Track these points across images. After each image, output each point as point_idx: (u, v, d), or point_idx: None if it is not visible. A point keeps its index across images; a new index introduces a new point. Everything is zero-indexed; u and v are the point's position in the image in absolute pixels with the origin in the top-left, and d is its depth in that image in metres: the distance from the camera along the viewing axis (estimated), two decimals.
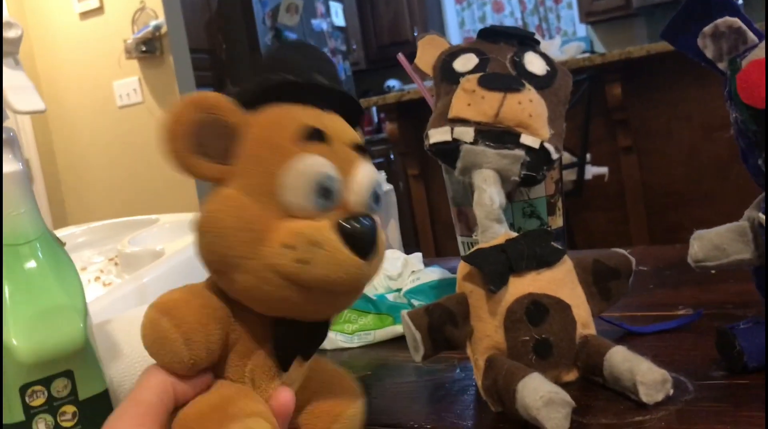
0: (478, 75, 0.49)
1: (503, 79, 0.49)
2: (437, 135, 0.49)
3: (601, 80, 2.50)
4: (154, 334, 0.34)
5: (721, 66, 0.43)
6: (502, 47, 0.52)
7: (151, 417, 0.31)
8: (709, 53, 0.43)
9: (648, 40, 4.67)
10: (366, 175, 0.36)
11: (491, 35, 0.52)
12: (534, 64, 0.51)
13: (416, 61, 0.53)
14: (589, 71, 2.45)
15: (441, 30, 5.67)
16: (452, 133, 0.48)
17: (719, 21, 0.42)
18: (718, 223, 0.46)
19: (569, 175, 2.44)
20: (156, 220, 0.80)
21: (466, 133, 0.48)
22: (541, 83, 0.50)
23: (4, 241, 0.37)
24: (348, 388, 0.41)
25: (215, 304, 0.35)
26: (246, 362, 0.36)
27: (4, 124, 0.39)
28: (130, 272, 0.68)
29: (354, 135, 0.38)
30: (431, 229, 3.02)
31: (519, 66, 0.50)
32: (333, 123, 0.37)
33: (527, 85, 0.49)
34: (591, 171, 2.49)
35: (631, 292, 0.50)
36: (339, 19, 4.45)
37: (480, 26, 5.64)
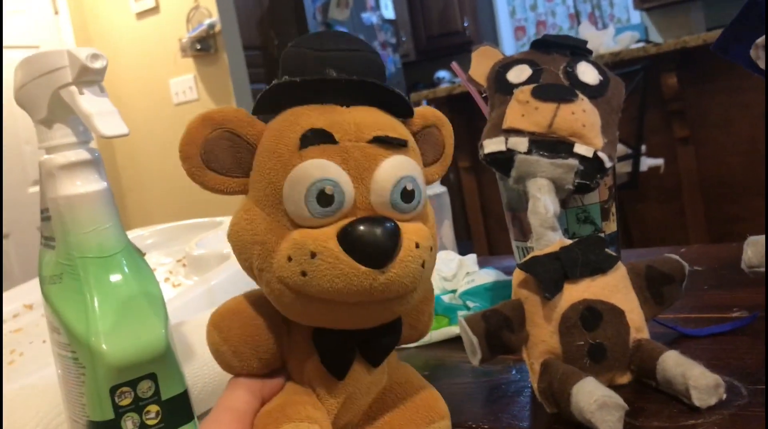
0: (531, 86, 0.51)
1: (556, 90, 0.50)
2: (492, 145, 0.50)
3: (656, 70, 2.46)
4: (210, 346, 0.36)
5: None
6: (554, 58, 0.53)
7: (241, 423, 0.34)
8: (761, 64, 0.43)
9: (705, 25, 4.55)
10: (387, 172, 0.34)
11: (544, 46, 0.54)
12: (587, 73, 0.52)
13: (470, 72, 0.55)
14: (643, 61, 2.41)
15: (491, 19, 5.63)
16: (506, 143, 0.50)
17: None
18: (765, 212, 0.46)
19: (624, 167, 2.41)
20: (220, 222, 0.84)
21: (521, 143, 0.49)
22: (594, 92, 0.51)
23: (93, 255, 0.40)
24: (427, 408, 0.38)
25: (267, 313, 0.36)
26: (302, 369, 0.36)
27: (90, 145, 0.43)
28: (198, 274, 0.71)
29: (379, 127, 0.35)
30: (483, 221, 3.02)
31: (572, 76, 0.52)
32: (352, 118, 0.35)
33: (580, 95, 0.50)
34: (646, 163, 2.45)
35: (685, 294, 0.51)
36: (389, 12, 4.46)
37: (531, 15, 5.60)
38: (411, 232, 0.33)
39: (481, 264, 0.76)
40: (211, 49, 3.29)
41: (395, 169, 0.34)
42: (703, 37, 2.37)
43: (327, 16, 3.83)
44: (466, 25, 5.31)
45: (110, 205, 0.42)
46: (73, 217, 0.40)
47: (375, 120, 0.35)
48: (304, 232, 0.32)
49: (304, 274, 0.32)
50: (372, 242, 0.31)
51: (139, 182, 3.65)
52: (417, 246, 0.33)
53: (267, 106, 0.36)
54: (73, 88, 0.39)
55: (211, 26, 3.24)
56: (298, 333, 0.36)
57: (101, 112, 0.39)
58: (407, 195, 0.34)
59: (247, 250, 0.35)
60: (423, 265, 0.34)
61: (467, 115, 2.87)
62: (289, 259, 0.32)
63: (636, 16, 5.10)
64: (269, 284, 0.34)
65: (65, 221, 0.40)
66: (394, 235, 0.32)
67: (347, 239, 0.31)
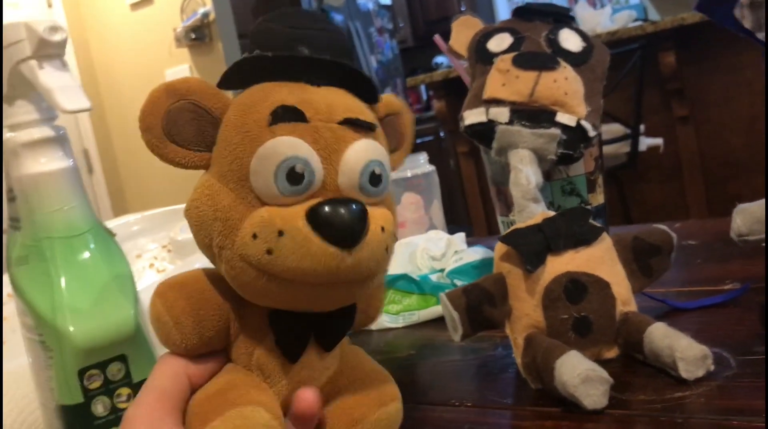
0: (512, 54, 0.49)
1: (537, 58, 0.49)
2: (472, 116, 0.49)
3: (654, 49, 2.44)
4: (151, 316, 0.34)
5: (760, 36, 0.42)
6: (537, 25, 0.51)
7: (166, 402, 0.32)
8: (747, 23, 0.42)
9: None
10: (357, 154, 0.33)
11: (526, 14, 0.52)
12: (569, 41, 0.50)
13: (451, 42, 0.54)
14: (641, 40, 2.39)
15: (489, 4, 5.58)
16: (487, 113, 0.48)
17: None
18: (764, 181, 0.45)
19: (623, 148, 2.39)
20: None
21: (501, 114, 0.48)
22: (577, 60, 0.50)
23: (59, 235, 0.39)
24: (378, 391, 0.37)
25: (212, 291, 0.35)
26: (252, 351, 0.35)
27: (56, 122, 0.41)
28: (182, 259, 0.70)
29: (350, 107, 0.34)
30: (482, 206, 3.00)
31: (554, 43, 0.50)
32: (322, 97, 0.34)
33: (562, 63, 0.49)
34: (645, 142, 2.43)
35: (678, 267, 0.50)
36: None
37: None
38: (377, 216, 0.33)
39: (470, 243, 0.75)
40: (206, 38, 3.27)
41: (365, 152, 0.33)
42: (701, 14, 2.34)
43: (322, 2, 3.81)
44: (462, 9, 5.28)
45: (76, 184, 0.41)
46: (39, 196, 0.39)
47: (345, 102, 0.35)
48: (271, 209, 0.32)
49: (269, 252, 0.31)
50: (341, 223, 0.31)
51: (137, 171, 3.64)
52: (383, 230, 0.33)
53: (235, 81, 0.35)
54: (33, 62, 0.38)
55: (205, 15, 3.21)
56: (252, 314, 0.35)
57: (63, 87, 0.38)
58: (375, 179, 0.34)
59: (208, 227, 0.33)
60: (387, 250, 0.33)
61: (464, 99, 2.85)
62: (255, 236, 0.31)
63: None
64: (229, 262, 0.32)
65: (30, 201, 0.39)
66: (363, 217, 0.32)
67: (317, 219, 0.31)
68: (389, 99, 0.40)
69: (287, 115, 0.32)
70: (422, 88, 4.98)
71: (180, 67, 3.37)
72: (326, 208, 0.31)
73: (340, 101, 0.34)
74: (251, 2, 3.69)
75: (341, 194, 0.33)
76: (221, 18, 3.26)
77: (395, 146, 0.41)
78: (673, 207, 2.68)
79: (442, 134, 4.60)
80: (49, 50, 0.38)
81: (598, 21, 2.62)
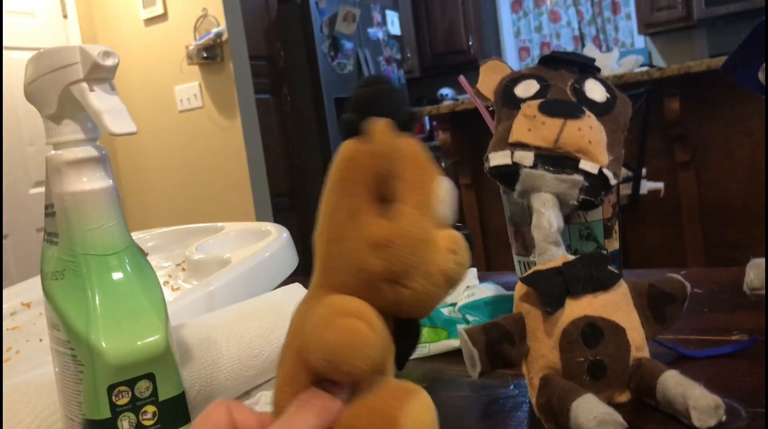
0: (539, 101, 0.51)
1: (563, 106, 0.50)
2: (497, 158, 0.50)
3: (659, 94, 2.47)
4: (349, 334, 0.33)
5: None
6: (563, 74, 0.53)
7: None
8: None
9: (708, 51, 4.58)
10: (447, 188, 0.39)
11: (552, 62, 0.54)
12: (594, 91, 0.52)
13: (478, 85, 0.55)
14: (646, 85, 2.42)
15: (496, 39, 5.66)
16: (512, 156, 0.50)
17: None
18: (765, 237, 0.47)
19: (624, 190, 2.41)
20: (221, 228, 0.84)
21: (526, 157, 0.49)
22: (600, 110, 0.51)
23: (96, 252, 0.40)
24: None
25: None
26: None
27: (98, 142, 0.43)
28: (198, 278, 0.71)
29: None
30: (482, 239, 3.02)
31: (579, 93, 0.52)
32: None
33: (587, 112, 0.50)
34: (647, 186, 2.46)
35: (686, 315, 0.51)
36: (395, 28, 4.48)
37: (536, 36, 5.63)
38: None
39: (481, 279, 0.76)
40: (218, 58, 3.30)
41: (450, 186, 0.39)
42: (707, 63, 2.38)
43: (334, 30, 3.85)
44: (470, 43, 5.34)
45: (115, 203, 0.42)
46: (78, 213, 0.40)
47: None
48: (449, 231, 0.38)
49: (459, 264, 0.37)
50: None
51: (140, 186, 3.65)
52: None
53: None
54: (84, 85, 0.39)
55: (219, 35, 3.25)
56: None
57: (111, 110, 0.39)
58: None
59: (414, 247, 0.37)
60: None
61: (469, 132, 2.88)
62: (452, 251, 0.37)
63: (640, 41, 5.14)
64: (428, 276, 0.36)
65: (70, 217, 0.40)
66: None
67: (463, 235, 0.38)
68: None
69: None
70: (426, 119, 5.02)
71: (190, 84, 3.40)
72: (465, 232, 0.39)
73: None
74: (264, 25, 3.74)
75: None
76: (234, 39, 3.30)
77: None
78: (671, 251, 2.70)
79: (443, 164, 4.63)
80: (101, 74, 0.39)
81: (606, 64, 2.66)
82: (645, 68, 2.67)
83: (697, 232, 2.62)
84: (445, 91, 5.32)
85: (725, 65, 0.45)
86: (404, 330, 0.38)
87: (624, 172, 2.38)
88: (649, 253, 2.75)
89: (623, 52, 4.62)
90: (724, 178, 2.55)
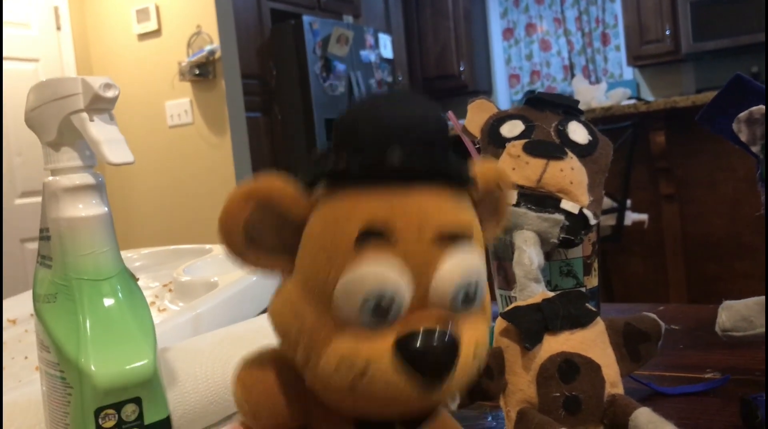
0: (523, 141, 0.53)
1: (547, 147, 0.52)
2: None
3: (645, 127, 2.51)
4: (234, 397, 0.35)
5: (755, 149, 0.45)
6: (547, 115, 0.55)
7: None
8: (743, 137, 0.45)
9: (696, 85, 4.66)
10: (450, 276, 0.30)
11: (538, 103, 0.56)
12: (577, 133, 0.54)
13: (466, 123, 0.57)
14: (633, 118, 2.46)
15: (487, 66, 5.72)
16: None
17: (754, 108, 0.44)
18: (759, 277, 0.48)
19: (609, 220, 2.44)
20: (210, 250, 0.85)
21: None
22: (583, 151, 0.53)
23: (89, 277, 0.41)
24: None
25: (294, 381, 0.33)
26: None
27: (95, 169, 0.44)
28: (185, 300, 0.72)
29: (444, 220, 0.31)
30: None
31: (563, 134, 0.54)
32: (414, 208, 0.30)
33: (569, 154, 0.52)
34: (631, 217, 2.49)
35: (661, 352, 0.52)
36: (387, 51, 4.53)
37: (526, 64, 5.70)
38: (469, 338, 0.31)
39: None
40: (210, 75, 3.32)
41: (458, 273, 0.31)
42: (692, 99, 2.42)
43: (326, 51, 3.89)
44: (461, 69, 5.40)
45: (109, 230, 0.43)
46: (73, 239, 0.41)
47: (438, 206, 0.31)
48: (353, 344, 0.30)
49: (352, 388, 0.30)
50: (431, 361, 0.29)
51: (128, 202, 3.65)
52: (474, 354, 0.31)
53: (321, 178, 0.32)
54: (84, 115, 0.41)
55: (212, 52, 3.28)
56: (332, 419, 0.34)
57: (109, 140, 0.41)
58: (468, 299, 0.31)
59: (293, 339, 0.32)
60: (474, 372, 0.32)
61: None
62: (335, 369, 0.30)
63: (629, 72, 5.22)
64: (314, 377, 0.31)
65: (64, 242, 0.41)
66: (454, 349, 0.30)
67: (406, 353, 0.29)
68: (486, 172, 0.36)
69: (374, 236, 0.30)
70: None
71: (181, 100, 3.41)
72: (417, 343, 0.29)
73: (433, 209, 0.31)
74: (257, 44, 3.77)
75: (429, 313, 0.30)
76: (227, 56, 3.33)
77: (489, 217, 0.38)
78: (654, 282, 2.73)
79: None
80: (101, 105, 0.41)
81: (594, 95, 2.70)
82: (632, 101, 2.72)
83: (680, 264, 2.65)
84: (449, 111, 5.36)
85: (701, 116, 0.47)
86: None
87: (609, 202, 2.41)
88: (632, 284, 2.77)
89: (612, 83, 4.69)
90: (707, 212, 2.59)
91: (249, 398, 0.34)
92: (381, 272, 0.29)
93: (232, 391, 0.36)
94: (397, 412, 0.31)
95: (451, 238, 0.31)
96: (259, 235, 0.32)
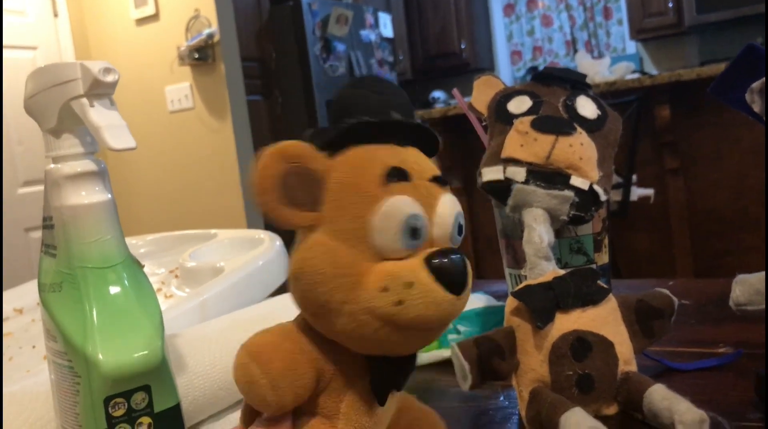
0: (531, 117, 0.52)
1: (555, 122, 0.51)
2: (490, 174, 0.51)
3: (649, 101, 2.49)
4: (244, 378, 0.35)
5: None
6: (555, 90, 0.54)
7: None
8: (757, 107, 0.44)
9: (699, 58, 4.62)
10: (449, 208, 0.36)
11: (545, 78, 0.55)
12: (586, 107, 0.53)
13: (472, 100, 0.56)
14: (638, 92, 2.44)
15: (488, 43, 5.68)
16: (505, 172, 0.51)
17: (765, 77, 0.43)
18: (765, 250, 0.48)
19: (614, 196, 2.43)
20: (215, 235, 0.84)
21: (518, 173, 0.50)
22: (592, 126, 0.52)
23: (93, 265, 0.41)
24: (433, 427, 0.42)
25: (305, 347, 0.36)
26: (341, 398, 0.37)
27: (96, 156, 0.43)
28: (191, 286, 0.72)
29: (433, 168, 0.38)
30: (473, 244, 3.03)
31: (571, 109, 0.53)
32: (413, 158, 0.37)
33: (578, 129, 0.51)
34: (636, 192, 2.48)
35: (673, 327, 0.52)
36: (387, 30, 4.49)
37: (528, 40, 5.66)
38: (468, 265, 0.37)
39: (472, 288, 0.76)
40: (209, 59, 3.30)
41: (452, 205, 0.37)
42: (697, 72, 2.40)
43: (326, 32, 3.86)
44: (463, 47, 5.36)
45: (113, 217, 0.42)
46: (77, 226, 0.41)
47: (427, 162, 0.38)
48: (394, 264, 0.34)
49: (399, 303, 0.33)
50: (457, 272, 0.34)
51: (129, 188, 3.64)
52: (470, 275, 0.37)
53: (338, 143, 0.37)
54: (84, 100, 0.40)
55: (210, 36, 3.25)
56: (348, 363, 0.37)
57: (110, 125, 0.40)
58: (460, 229, 0.38)
59: (328, 283, 0.34)
60: None
61: (461, 138, 2.89)
62: (384, 289, 0.34)
63: (631, 46, 5.17)
64: (352, 315, 0.34)
65: (68, 230, 0.41)
66: (467, 265, 0.36)
67: (438, 269, 0.34)
68: None
69: (396, 176, 0.35)
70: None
71: (181, 85, 3.39)
72: (443, 259, 0.34)
73: (424, 161, 0.38)
74: (256, 27, 3.74)
75: (440, 245, 0.36)
76: (226, 40, 3.30)
77: None
78: (660, 257, 2.72)
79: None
80: (101, 90, 0.40)
81: (597, 71, 2.68)
82: (636, 75, 2.70)
83: (686, 238, 2.64)
84: (437, 94, 5.33)
85: (714, 87, 0.46)
86: (381, 365, 0.37)
87: (614, 178, 2.40)
88: (638, 259, 2.77)
89: (615, 58, 4.65)
90: (713, 186, 2.57)
91: (268, 370, 0.35)
92: (409, 199, 0.35)
93: (235, 377, 0.36)
94: (434, 326, 0.35)
95: (440, 182, 0.37)
96: (292, 192, 0.35)
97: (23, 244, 3.19)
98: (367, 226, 0.34)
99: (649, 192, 2.52)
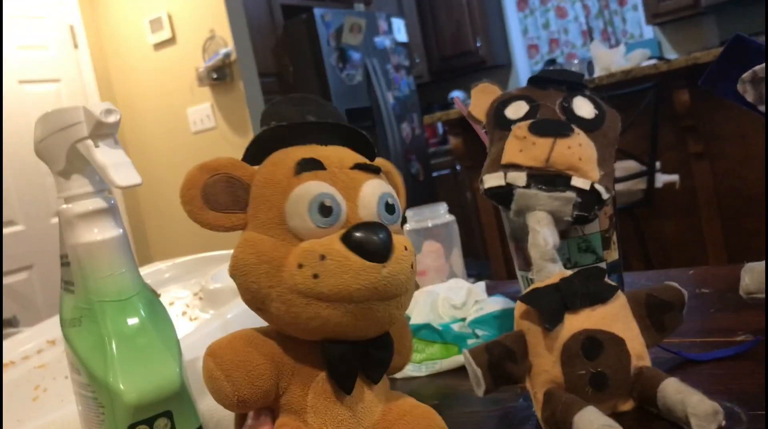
0: (528, 122, 0.52)
1: (553, 125, 0.52)
2: (491, 180, 0.52)
3: (668, 87, 2.46)
4: (205, 374, 0.38)
5: (761, 108, 0.44)
6: (551, 93, 0.54)
7: None
8: (749, 97, 0.45)
9: (719, 37, 4.55)
10: (371, 189, 0.39)
11: (540, 82, 0.55)
12: (583, 108, 0.53)
13: (470, 109, 0.57)
14: (655, 79, 2.42)
15: (504, 39, 5.65)
16: (506, 177, 0.51)
17: (757, 67, 0.44)
18: (765, 239, 0.48)
19: (639, 184, 2.41)
20: None
21: (519, 178, 0.51)
22: (590, 126, 0.53)
23: (110, 298, 0.42)
24: (428, 421, 0.41)
25: (259, 341, 0.39)
26: (306, 391, 0.39)
27: (106, 193, 0.45)
28: (215, 307, 0.73)
29: (357, 157, 0.41)
30: (499, 239, 3.02)
31: (568, 111, 0.53)
32: (332, 152, 0.41)
33: (576, 130, 0.52)
34: (661, 179, 2.45)
35: (692, 317, 0.52)
36: (401, 35, 4.50)
37: (543, 33, 5.63)
38: (399, 238, 0.39)
39: (490, 290, 0.77)
40: (227, 78, 3.34)
41: (377, 187, 0.40)
42: (714, 53, 2.37)
43: (341, 42, 3.88)
44: (478, 45, 5.35)
45: (126, 250, 0.44)
46: (92, 263, 0.43)
47: (352, 154, 0.42)
48: (310, 241, 0.37)
49: (315, 276, 0.36)
50: (372, 241, 0.37)
51: (159, 211, 3.70)
52: (406, 249, 0.38)
53: (257, 151, 0.41)
54: (89, 142, 0.42)
55: (227, 55, 3.29)
56: (305, 356, 0.39)
57: (116, 164, 0.42)
58: (390, 208, 0.40)
59: (254, 272, 0.38)
60: (412, 267, 0.39)
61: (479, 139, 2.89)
62: (300, 265, 0.36)
63: (649, 31, 5.11)
64: (280, 297, 0.37)
65: (84, 267, 0.43)
66: (388, 236, 0.37)
67: (351, 240, 0.36)
68: (380, 161, 0.45)
69: (308, 166, 0.39)
70: (438, 125, 5.04)
71: (202, 106, 3.44)
72: (357, 231, 0.37)
73: (348, 154, 0.41)
74: (272, 42, 3.78)
75: (363, 219, 0.39)
76: (242, 58, 3.34)
77: None
78: (690, 243, 2.68)
79: (458, 167, 4.64)
80: (104, 130, 0.42)
81: (612, 60, 2.66)
82: (653, 62, 2.67)
83: (716, 222, 2.60)
84: (456, 93, 5.33)
85: (704, 80, 0.46)
86: (333, 351, 0.38)
87: (637, 166, 2.38)
88: (669, 247, 2.73)
89: (632, 44, 4.60)
90: (739, 167, 2.53)
91: (221, 362, 0.38)
92: (318, 182, 0.38)
93: (203, 372, 0.39)
94: (360, 296, 0.36)
95: (366, 169, 0.40)
96: (215, 200, 0.39)
97: (58, 274, 3.25)
98: (281, 212, 0.38)
99: (674, 178, 2.49)
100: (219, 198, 0.39)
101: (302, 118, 0.42)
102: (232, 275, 0.39)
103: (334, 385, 0.39)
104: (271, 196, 0.38)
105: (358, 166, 0.40)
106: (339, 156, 0.40)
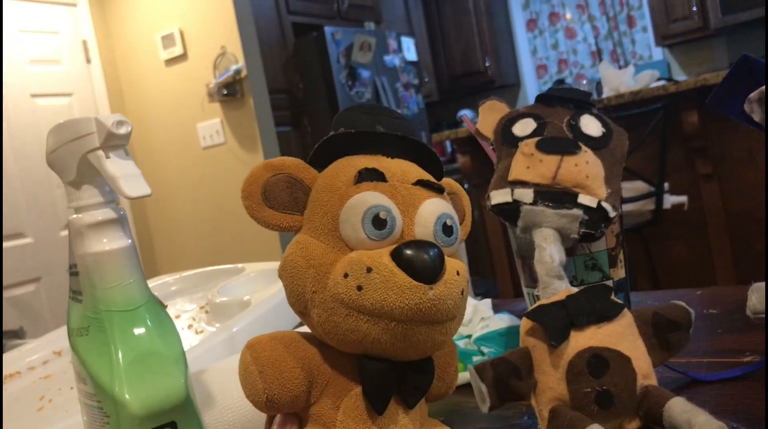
0: (535, 139, 0.53)
1: (560, 143, 0.52)
2: (498, 196, 0.52)
3: (676, 108, 2.47)
4: (241, 366, 0.38)
5: None
6: (558, 111, 0.55)
7: None
8: (756, 117, 0.45)
9: (728, 59, 4.55)
10: (431, 208, 0.38)
11: (548, 100, 0.56)
12: (590, 126, 0.54)
13: (478, 126, 0.57)
14: (663, 100, 2.42)
15: (513, 59, 5.68)
16: (512, 194, 0.52)
17: (765, 87, 0.44)
18: (765, 257, 0.47)
19: (647, 205, 2.40)
20: (242, 269, 0.86)
21: (526, 195, 0.51)
22: (597, 144, 0.53)
23: (118, 309, 0.43)
24: None
25: (298, 345, 0.39)
26: (338, 405, 0.38)
27: (115, 204, 0.45)
28: (220, 321, 0.74)
29: (420, 173, 0.40)
30: (506, 257, 3.01)
31: (575, 129, 0.53)
32: (396, 165, 0.40)
33: (583, 148, 0.52)
34: (670, 200, 2.44)
35: (699, 337, 0.52)
36: (411, 54, 4.53)
37: (552, 53, 5.65)
38: (452, 261, 0.37)
39: (496, 308, 0.77)
40: (238, 94, 3.36)
41: (437, 206, 0.39)
42: (723, 75, 2.37)
43: (350, 60, 3.91)
44: (487, 64, 5.37)
45: (134, 261, 0.44)
46: (100, 273, 0.43)
47: (416, 169, 0.41)
48: (359, 252, 0.36)
49: (359, 288, 0.35)
50: (422, 260, 0.35)
51: (170, 224, 3.71)
52: (458, 274, 0.37)
53: (323, 156, 0.41)
54: (100, 153, 0.42)
55: (237, 72, 3.32)
56: (341, 367, 0.38)
57: (126, 175, 0.42)
58: (447, 230, 0.38)
59: (301, 275, 0.37)
60: (462, 293, 0.38)
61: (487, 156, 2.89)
62: (346, 275, 0.36)
63: (658, 53, 5.12)
64: (322, 303, 0.36)
65: (92, 277, 0.43)
66: (440, 257, 0.36)
67: (400, 256, 0.35)
68: (448, 181, 0.45)
69: (369, 176, 0.38)
70: (447, 143, 5.05)
71: (212, 121, 3.46)
72: (408, 247, 0.36)
73: (412, 169, 0.40)
74: (282, 59, 3.80)
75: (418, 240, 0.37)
76: (253, 74, 3.37)
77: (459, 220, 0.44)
78: (700, 264, 2.67)
79: (466, 186, 4.65)
80: (116, 141, 0.42)
81: (621, 80, 2.66)
82: (662, 83, 2.67)
83: (725, 243, 2.59)
84: (464, 112, 5.34)
85: (711, 100, 0.46)
86: (370, 368, 0.37)
87: (646, 187, 2.37)
88: (677, 269, 2.72)
89: (641, 66, 4.61)
90: (748, 188, 2.53)
91: (258, 357, 0.38)
92: (376, 194, 0.37)
93: (240, 363, 0.38)
94: (402, 315, 0.35)
95: (429, 187, 0.39)
96: (275, 198, 0.39)
97: (66, 286, 3.26)
98: (335, 219, 0.37)
99: (683, 199, 2.49)
100: (278, 197, 0.39)
101: (372, 128, 0.41)
102: (280, 276, 0.39)
103: (367, 403, 0.38)
104: (327, 201, 0.38)
105: (420, 183, 0.39)
106: (403, 170, 0.40)
